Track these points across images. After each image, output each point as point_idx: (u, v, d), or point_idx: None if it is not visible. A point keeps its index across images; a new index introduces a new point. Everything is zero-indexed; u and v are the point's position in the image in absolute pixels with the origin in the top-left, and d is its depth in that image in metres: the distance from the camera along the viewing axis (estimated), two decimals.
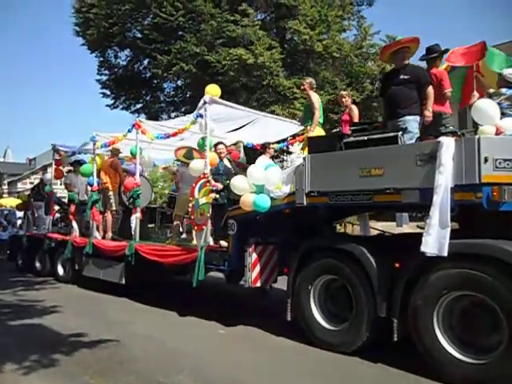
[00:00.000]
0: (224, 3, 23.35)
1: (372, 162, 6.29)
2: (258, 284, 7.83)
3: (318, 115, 8.48)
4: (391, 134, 6.48)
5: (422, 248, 5.62)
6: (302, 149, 8.68)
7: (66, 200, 14.98)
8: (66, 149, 13.79)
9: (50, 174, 15.36)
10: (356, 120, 8.56)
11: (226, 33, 22.82)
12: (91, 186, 11.95)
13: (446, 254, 5.46)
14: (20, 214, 29.08)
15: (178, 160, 11.29)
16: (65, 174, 14.16)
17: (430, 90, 7.10)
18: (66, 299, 10.53)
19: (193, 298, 10.27)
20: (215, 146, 9.41)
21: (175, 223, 10.35)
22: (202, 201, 8.45)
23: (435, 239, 5.56)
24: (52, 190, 14.27)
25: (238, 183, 7.80)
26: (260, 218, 7.72)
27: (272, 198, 7.34)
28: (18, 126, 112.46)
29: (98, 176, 11.72)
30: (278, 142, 11.70)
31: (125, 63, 27.17)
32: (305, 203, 6.96)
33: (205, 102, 8.67)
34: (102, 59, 26.97)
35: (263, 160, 9.24)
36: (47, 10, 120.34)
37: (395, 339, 5.99)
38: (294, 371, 6.00)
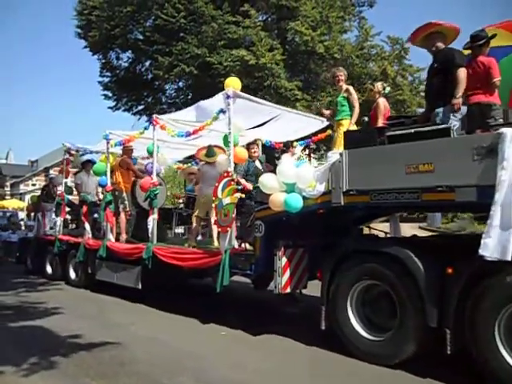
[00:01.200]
0: (225, 5, 22.59)
1: (420, 157, 5.48)
2: (288, 290, 6.98)
3: (358, 108, 7.64)
4: (443, 126, 5.70)
5: (481, 251, 4.84)
6: (333, 145, 7.78)
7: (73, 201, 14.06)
8: (78, 148, 12.94)
9: (59, 174, 14.44)
10: (382, 115, 7.76)
11: (227, 34, 22.13)
12: (104, 186, 11.04)
13: (510, 258, 4.69)
14: (22, 215, 28.21)
15: (199, 160, 10.40)
16: (72, 173, 13.27)
17: (461, 73, 6.20)
18: (67, 301, 10.19)
19: (213, 303, 9.49)
20: (248, 145, 8.76)
21: (194, 225, 9.38)
22: (226, 201, 7.58)
23: (497, 242, 4.80)
24: (67, 190, 13.35)
25: (267, 181, 6.95)
26: (288, 219, 6.91)
27: (304, 198, 6.52)
28: (19, 127, 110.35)
29: (111, 176, 10.87)
30: (297, 141, 10.75)
31: (126, 65, 26.33)
32: (342, 203, 6.15)
33: (228, 96, 7.83)
34: (103, 61, 26.12)
35: (287, 159, 8.51)
36: (47, 10, 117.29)
37: (448, 352, 5.20)
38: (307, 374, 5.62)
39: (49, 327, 7.70)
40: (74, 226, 13.97)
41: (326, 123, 9.81)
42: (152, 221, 9.27)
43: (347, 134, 6.86)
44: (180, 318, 8.46)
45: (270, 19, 24.41)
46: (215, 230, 8.81)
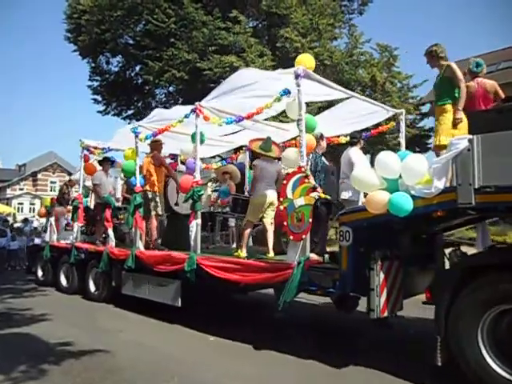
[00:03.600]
0: (216, 11, 20.78)
1: None
2: (386, 313, 5.05)
3: (465, 87, 5.62)
4: None
5: None
6: (438, 135, 5.67)
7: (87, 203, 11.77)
8: (96, 144, 10.59)
9: (78, 173, 11.82)
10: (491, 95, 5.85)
11: (217, 40, 20.45)
12: (133, 186, 8.71)
13: None
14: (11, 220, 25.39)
15: (254, 152, 8.14)
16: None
17: None
18: (55, 307, 9.10)
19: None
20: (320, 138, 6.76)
21: (246, 232, 7.11)
22: (299, 202, 5.55)
23: None
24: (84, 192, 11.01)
25: (364, 177, 4.99)
26: (383, 224, 5.01)
27: (413, 197, 4.64)
28: (7, 131, 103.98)
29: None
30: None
31: (116, 69, 24.08)
32: (473, 202, 4.29)
33: (298, 76, 5.83)
34: (93, 65, 23.78)
35: (355, 153, 6.62)
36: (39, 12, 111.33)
37: None
38: None
39: (36, 334, 6.95)
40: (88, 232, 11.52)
41: (391, 113, 7.87)
42: (195, 226, 7.11)
43: (475, 115, 5.00)
44: (169, 325, 7.44)
45: (260, 25, 22.60)
46: (271, 237, 6.84)
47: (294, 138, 8.36)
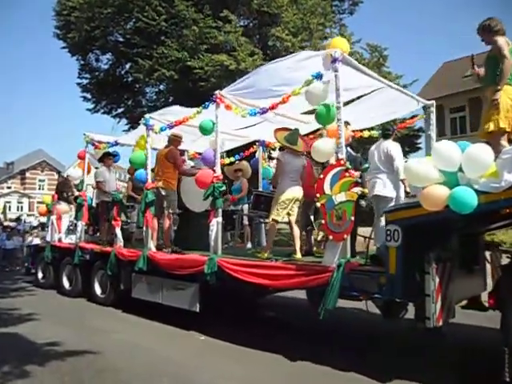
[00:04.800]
0: (206, 9, 19.92)
1: None
2: (441, 322, 4.33)
3: (510, 65, 4.77)
4: None
5: None
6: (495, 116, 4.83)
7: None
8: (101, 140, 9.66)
9: (73, 168, 10.90)
10: None
11: (208, 39, 19.58)
12: (143, 182, 7.78)
13: None
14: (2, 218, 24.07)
15: (279, 143, 7.35)
16: (93, 169, 10.03)
17: None
18: (44, 307, 8.68)
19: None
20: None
21: (271, 231, 6.36)
22: (340, 198, 4.86)
23: None
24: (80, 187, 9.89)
25: (420, 169, 4.19)
26: (436, 223, 4.31)
27: (477, 192, 3.96)
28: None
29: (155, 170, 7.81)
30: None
31: (106, 67, 22.85)
32: None
33: (335, 60, 5.10)
34: (83, 62, 22.58)
35: (394, 146, 5.93)
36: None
37: None
38: None
39: (23, 334, 6.57)
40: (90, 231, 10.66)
41: (421, 104, 7.08)
42: (216, 225, 6.30)
43: None
44: (163, 326, 7.01)
45: (251, 24, 21.80)
46: (297, 236, 6.11)
47: (315, 132, 7.55)
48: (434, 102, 7.06)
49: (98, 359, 5.39)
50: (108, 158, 9.28)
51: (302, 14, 19.74)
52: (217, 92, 6.47)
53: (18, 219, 19.44)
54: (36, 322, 7.41)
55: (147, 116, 7.80)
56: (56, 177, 51.16)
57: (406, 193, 5.56)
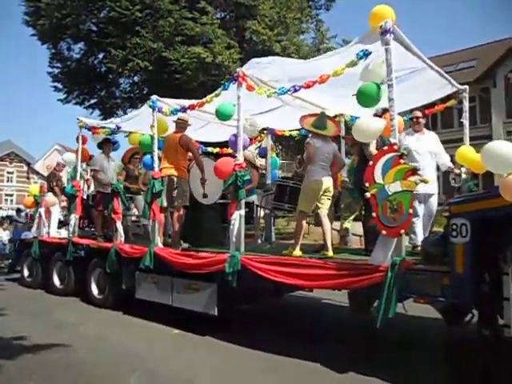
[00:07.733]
0: (182, 0, 18.94)
1: None
2: None
3: None
4: None
5: None
6: None
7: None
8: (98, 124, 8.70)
9: (69, 153, 9.72)
10: None
11: (184, 30, 18.82)
12: (150, 169, 6.95)
13: None
14: None
15: (306, 130, 6.46)
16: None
17: None
18: (9, 300, 8.37)
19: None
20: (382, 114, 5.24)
21: (300, 224, 5.61)
22: (395, 188, 4.23)
23: None
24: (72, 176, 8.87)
25: (503, 152, 3.67)
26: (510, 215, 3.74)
27: None
28: None
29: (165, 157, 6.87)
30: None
31: (78, 56, 21.61)
32: None
33: (386, 31, 4.37)
34: (53, 51, 21.27)
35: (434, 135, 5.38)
36: None
37: None
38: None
39: None
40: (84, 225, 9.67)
41: (455, 88, 6.25)
42: (238, 219, 5.55)
43: None
44: (133, 318, 6.78)
45: (228, 17, 21.12)
46: (328, 231, 5.45)
47: (334, 117, 6.80)
48: (467, 86, 6.49)
49: (67, 353, 5.14)
50: (107, 145, 8.35)
51: (279, 7, 19.20)
52: (238, 69, 5.73)
53: (18, 210, 17.61)
54: (4, 316, 7.02)
55: (154, 97, 6.95)
56: (25, 169, 48.47)
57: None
